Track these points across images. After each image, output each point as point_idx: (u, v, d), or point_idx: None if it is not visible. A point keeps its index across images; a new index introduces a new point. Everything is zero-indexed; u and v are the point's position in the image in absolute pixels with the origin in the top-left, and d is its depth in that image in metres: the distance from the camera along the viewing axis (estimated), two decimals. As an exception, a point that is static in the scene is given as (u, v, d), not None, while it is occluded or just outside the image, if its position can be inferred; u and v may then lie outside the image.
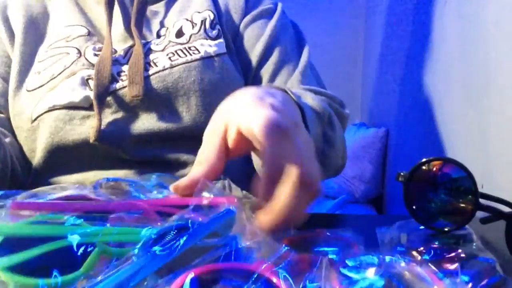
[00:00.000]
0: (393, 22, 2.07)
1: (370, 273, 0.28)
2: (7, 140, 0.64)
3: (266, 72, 0.70)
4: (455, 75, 1.27)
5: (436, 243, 0.38)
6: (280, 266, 0.29)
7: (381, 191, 2.07)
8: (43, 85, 0.64)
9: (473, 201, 0.38)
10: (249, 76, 0.71)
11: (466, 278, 0.30)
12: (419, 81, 1.59)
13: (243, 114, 0.36)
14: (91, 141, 0.60)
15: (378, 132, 2.03)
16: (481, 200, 0.38)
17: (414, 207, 0.40)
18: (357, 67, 2.69)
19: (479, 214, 0.40)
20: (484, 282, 0.31)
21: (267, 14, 0.74)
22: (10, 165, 0.62)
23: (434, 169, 0.39)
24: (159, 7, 0.72)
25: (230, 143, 0.37)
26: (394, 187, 1.93)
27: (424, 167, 0.39)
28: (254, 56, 0.71)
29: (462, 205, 0.39)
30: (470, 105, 1.14)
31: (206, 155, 0.37)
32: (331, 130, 0.60)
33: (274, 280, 0.27)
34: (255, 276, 0.27)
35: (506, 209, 0.39)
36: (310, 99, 0.57)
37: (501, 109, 0.96)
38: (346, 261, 0.30)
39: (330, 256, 0.34)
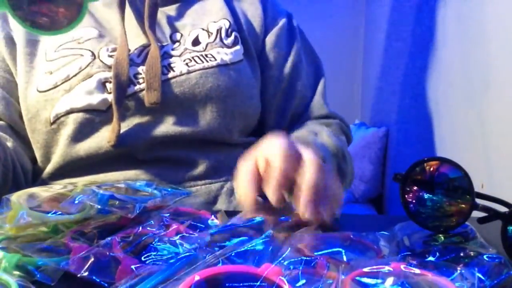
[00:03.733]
0: (393, 22, 2.07)
1: (387, 282, 0.28)
2: (9, 144, 0.64)
3: (296, 91, 0.75)
4: (455, 75, 1.27)
5: (439, 242, 0.39)
6: (288, 270, 0.29)
7: (381, 191, 2.07)
8: (57, 86, 0.63)
9: (469, 201, 0.38)
10: (279, 90, 0.74)
11: (480, 276, 0.31)
12: (419, 81, 1.59)
13: (269, 146, 0.45)
14: (110, 144, 0.60)
15: (378, 132, 2.03)
16: (478, 200, 0.38)
17: (410, 207, 0.41)
18: (357, 67, 2.69)
19: (478, 214, 0.40)
20: (496, 279, 0.31)
21: (288, 34, 0.77)
22: (12, 169, 0.62)
23: (431, 169, 0.40)
24: (170, 10, 0.73)
25: (261, 171, 0.44)
26: (394, 187, 1.93)
27: (420, 168, 0.40)
28: (285, 74, 0.75)
29: (458, 205, 0.39)
30: (470, 105, 1.14)
31: (244, 193, 0.44)
32: (344, 163, 0.65)
33: (285, 287, 0.27)
34: (261, 280, 0.28)
35: (502, 208, 0.39)
36: (326, 137, 0.64)
37: (501, 109, 0.97)
38: (362, 268, 0.30)
39: (346, 260, 0.34)
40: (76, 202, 0.39)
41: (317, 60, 0.80)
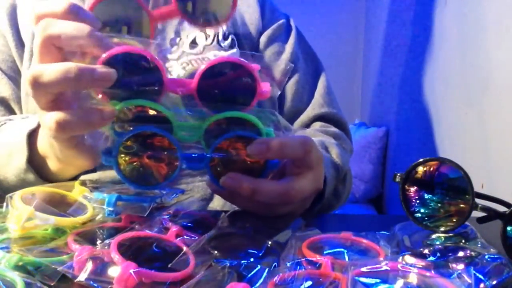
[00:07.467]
0: (393, 22, 2.07)
1: (385, 281, 0.28)
2: None
3: (289, 89, 0.74)
4: (455, 75, 1.27)
5: (439, 243, 0.39)
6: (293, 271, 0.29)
7: (381, 191, 2.07)
8: None
9: (469, 201, 0.38)
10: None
11: (480, 276, 0.30)
12: (419, 81, 1.59)
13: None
14: None
15: (378, 132, 2.03)
16: (478, 200, 0.38)
17: (410, 207, 0.41)
18: (357, 67, 2.70)
19: (477, 214, 0.40)
20: (496, 279, 0.31)
21: (284, 31, 0.77)
22: None
23: (430, 169, 0.40)
24: None
25: None
26: (394, 187, 1.93)
27: (420, 168, 0.40)
28: (277, 72, 0.74)
29: (458, 205, 0.39)
30: (470, 105, 1.14)
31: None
32: (342, 186, 0.64)
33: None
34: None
35: (502, 208, 0.39)
36: (335, 155, 0.63)
37: (501, 109, 0.97)
38: (361, 268, 0.30)
39: (347, 260, 0.34)
40: (83, 204, 0.40)
41: (316, 60, 0.80)
